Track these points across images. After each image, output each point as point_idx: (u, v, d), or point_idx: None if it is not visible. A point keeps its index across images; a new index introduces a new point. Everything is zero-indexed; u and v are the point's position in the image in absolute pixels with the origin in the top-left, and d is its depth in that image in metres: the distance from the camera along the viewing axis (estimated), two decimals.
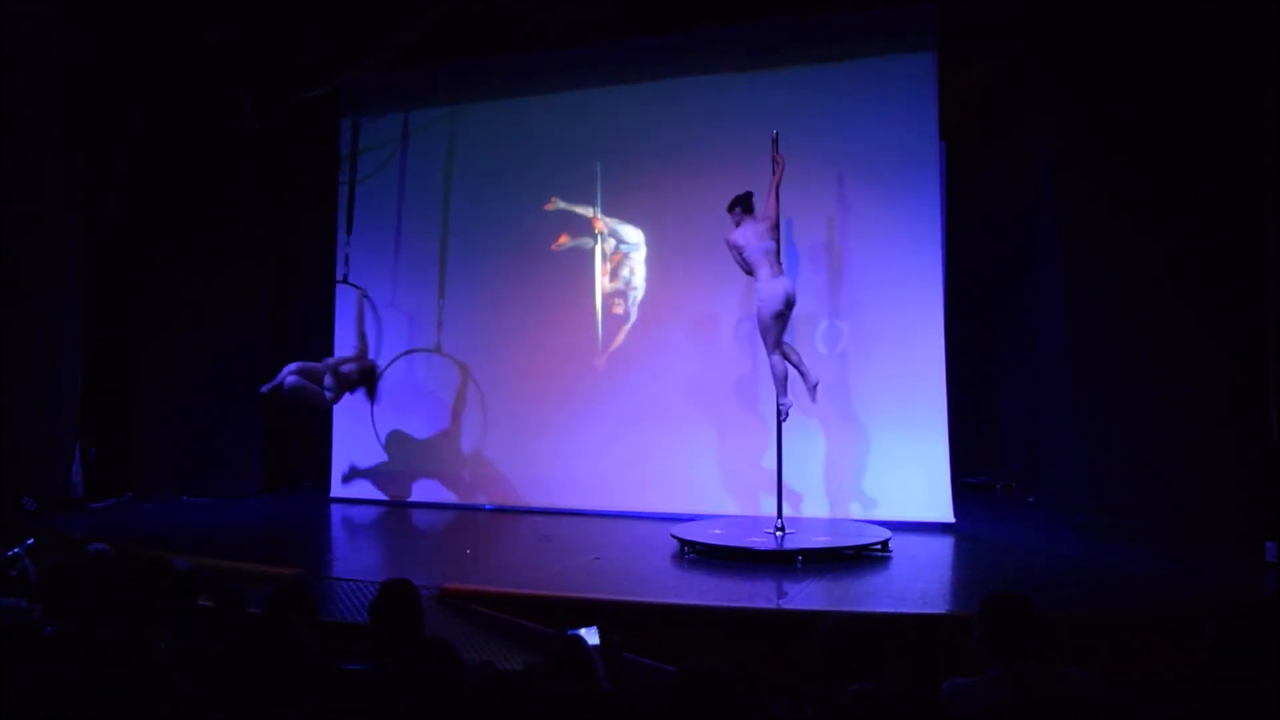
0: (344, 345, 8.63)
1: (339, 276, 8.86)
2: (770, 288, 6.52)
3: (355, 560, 6.70)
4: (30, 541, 5.35)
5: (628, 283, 8.25)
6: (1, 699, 2.56)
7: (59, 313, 8.60)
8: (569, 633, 3.15)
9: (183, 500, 8.81)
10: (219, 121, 8.61)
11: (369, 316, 8.76)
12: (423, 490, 8.70)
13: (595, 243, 8.32)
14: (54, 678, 2.55)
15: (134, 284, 9.17)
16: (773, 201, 6.63)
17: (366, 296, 8.70)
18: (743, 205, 6.70)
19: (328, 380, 8.04)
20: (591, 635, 3.29)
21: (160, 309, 9.29)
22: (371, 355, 8.72)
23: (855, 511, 7.27)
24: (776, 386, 6.64)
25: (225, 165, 9.08)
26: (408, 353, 8.71)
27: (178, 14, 7.88)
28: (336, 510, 8.65)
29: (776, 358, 6.62)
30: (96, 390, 8.84)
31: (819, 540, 6.30)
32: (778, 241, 6.63)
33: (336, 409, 8.81)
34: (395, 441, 8.84)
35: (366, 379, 8.57)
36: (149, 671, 2.58)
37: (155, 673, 2.62)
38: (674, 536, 6.40)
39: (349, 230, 8.62)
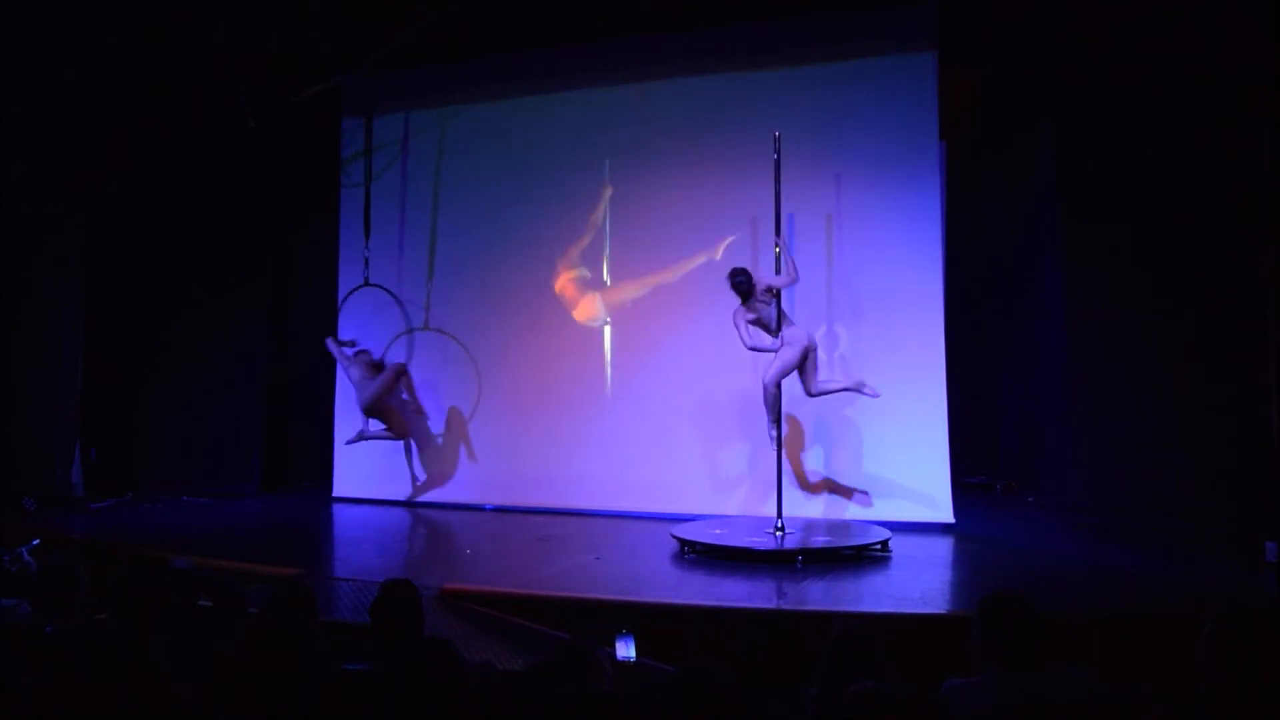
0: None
1: (361, 280, 8.77)
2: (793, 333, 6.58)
3: (356, 560, 6.68)
4: (36, 542, 5.38)
5: (631, 281, 8.26)
6: (1, 699, 2.56)
7: (59, 313, 8.60)
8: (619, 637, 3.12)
9: (183, 500, 8.79)
10: (219, 121, 8.60)
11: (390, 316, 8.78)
12: (423, 490, 8.70)
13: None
14: (54, 678, 2.55)
15: (134, 284, 9.16)
16: (789, 264, 6.65)
17: (395, 296, 8.74)
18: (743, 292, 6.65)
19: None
20: (626, 646, 3.26)
21: (160, 309, 9.28)
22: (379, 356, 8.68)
23: (855, 512, 7.27)
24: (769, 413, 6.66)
25: (225, 165, 9.07)
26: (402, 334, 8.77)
27: (178, 13, 7.87)
28: (337, 510, 8.64)
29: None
30: (96, 390, 8.84)
31: (819, 540, 6.30)
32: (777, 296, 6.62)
33: (338, 408, 8.88)
34: (396, 441, 8.83)
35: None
36: (149, 671, 2.58)
37: (155, 673, 2.62)
38: (674, 536, 6.40)
39: (367, 234, 8.68)
